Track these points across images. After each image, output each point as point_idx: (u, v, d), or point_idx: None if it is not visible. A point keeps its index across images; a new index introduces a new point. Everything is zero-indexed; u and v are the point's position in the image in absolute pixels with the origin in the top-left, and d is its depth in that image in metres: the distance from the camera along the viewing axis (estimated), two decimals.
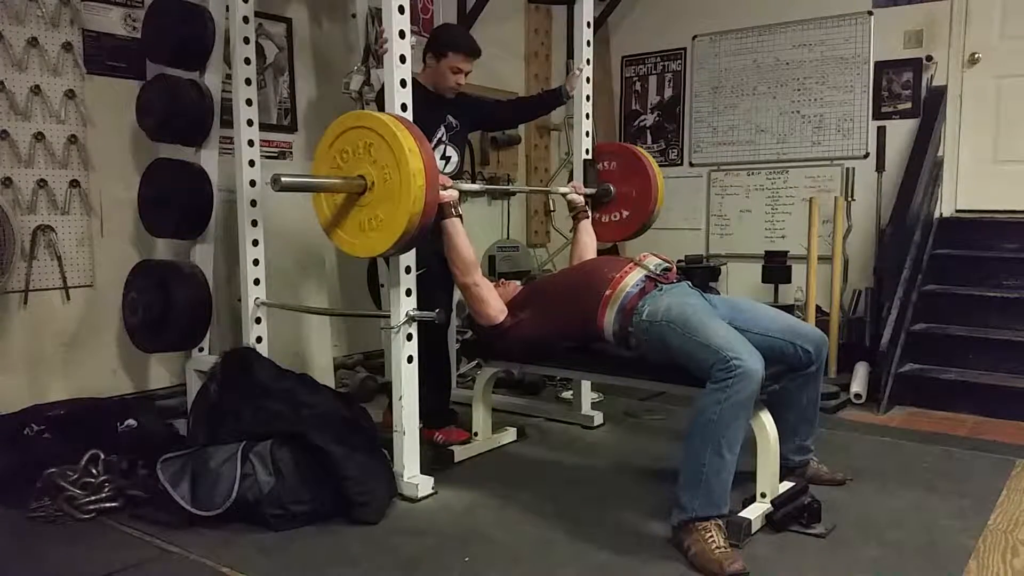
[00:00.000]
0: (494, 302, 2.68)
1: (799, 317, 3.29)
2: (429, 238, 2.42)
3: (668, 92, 5.32)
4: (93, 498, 2.39)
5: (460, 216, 2.65)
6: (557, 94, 3.38)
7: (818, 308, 4.24)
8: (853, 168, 4.50)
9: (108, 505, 2.40)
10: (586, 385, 3.38)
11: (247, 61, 2.92)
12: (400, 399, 2.52)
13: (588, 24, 3.36)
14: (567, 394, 3.67)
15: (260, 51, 3.53)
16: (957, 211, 4.37)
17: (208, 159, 3.03)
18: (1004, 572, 2.03)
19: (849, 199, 4.44)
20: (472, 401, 3.00)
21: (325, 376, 3.39)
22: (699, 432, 2.11)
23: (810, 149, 4.76)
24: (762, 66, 4.89)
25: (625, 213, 3.42)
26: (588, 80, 3.39)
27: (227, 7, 2.93)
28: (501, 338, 2.70)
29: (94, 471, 2.46)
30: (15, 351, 2.93)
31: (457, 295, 3.00)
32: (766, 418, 2.28)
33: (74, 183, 3.04)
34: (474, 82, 3.47)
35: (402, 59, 2.42)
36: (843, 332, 4.24)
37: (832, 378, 3.85)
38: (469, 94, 3.26)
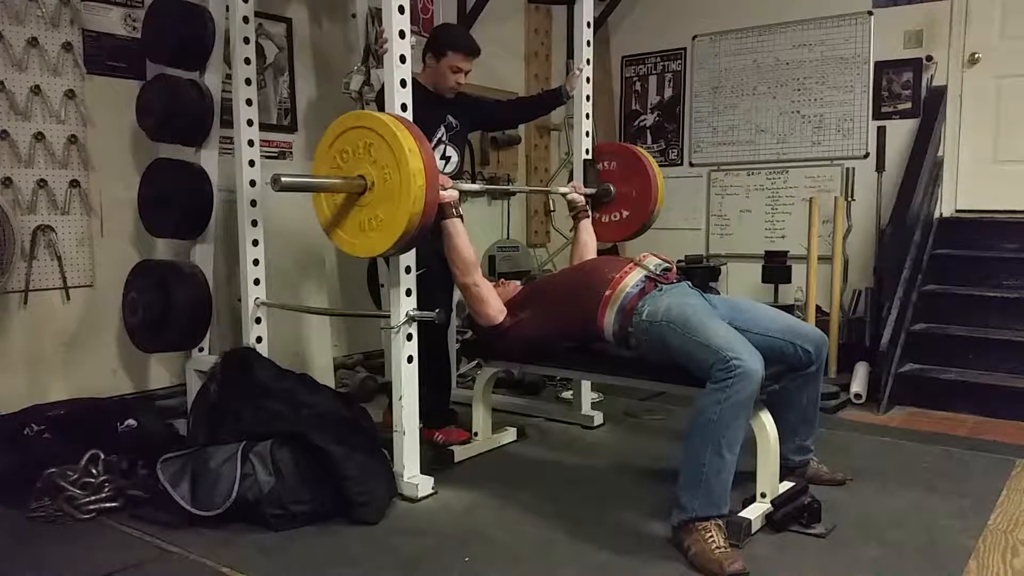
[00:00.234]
0: (494, 302, 2.68)
1: (799, 317, 3.29)
2: (429, 238, 2.42)
3: (668, 92, 5.32)
4: (93, 498, 2.39)
5: (460, 216, 2.65)
6: (557, 94, 3.38)
7: (818, 308, 4.24)
8: (853, 168, 4.50)
9: (108, 505, 2.39)
10: (586, 385, 3.38)
11: (247, 61, 2.92)
12: (400, 399, 2.52)
13: (588, 24, 3.36)
14: (567, 394, 3.67)
15: (260, 51, 3.53)
16: (957, 211, 4.37)
17: (208, 159, 3.03)
18: (1004, 572, 2.03)
19: (849, 199, 4.44)
20: (472, 401, 3.00)
21: (325, 376, 3.39)
22: (699, 432, 2.11)
23: (810, 149, 4.76)
24: (762, 66, 4.89)
25: (625, 213, 3.42)
26: (588, 80, 3.39)
27: (227, 7, 2.94)
28: (501, 338, 2.70)
29: (94, 471, 2.46)
30: (15, 351, 2.93)
31: (457, 295, 2.99)
32: (766, 418, 2.28)
33: (74, 183, 3.04)
34: (474, 82, 3.48)
35: (402, 59, 2.42)
36: (843, 332, 4.24)
37: (832, 378, 3.85)
38: (469, 94, 3.27)
